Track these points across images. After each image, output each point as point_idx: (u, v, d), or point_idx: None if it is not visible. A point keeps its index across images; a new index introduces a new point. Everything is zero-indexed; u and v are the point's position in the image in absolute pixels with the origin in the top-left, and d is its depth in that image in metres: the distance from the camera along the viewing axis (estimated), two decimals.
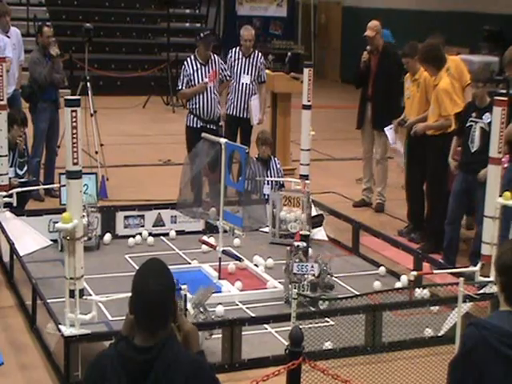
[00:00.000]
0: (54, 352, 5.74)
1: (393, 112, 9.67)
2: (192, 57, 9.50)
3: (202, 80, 9.36)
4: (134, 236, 8.35)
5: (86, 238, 7.64)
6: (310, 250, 7.83)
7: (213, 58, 9.50)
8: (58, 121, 9.89)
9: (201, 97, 9.35)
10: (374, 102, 9.94)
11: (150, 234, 8.44)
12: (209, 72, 9.39)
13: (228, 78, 9.91)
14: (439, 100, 8.28)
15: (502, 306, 3.19)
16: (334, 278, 7.05)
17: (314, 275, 6.79)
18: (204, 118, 9.36)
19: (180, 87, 9.50)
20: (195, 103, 9.36)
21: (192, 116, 9.44)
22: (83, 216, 7.54)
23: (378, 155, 10.11)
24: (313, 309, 6.45)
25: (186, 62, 9.48)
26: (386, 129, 9.72)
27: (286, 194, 8.55)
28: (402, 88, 9.31)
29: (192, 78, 9.39)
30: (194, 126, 9.36)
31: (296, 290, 5.23)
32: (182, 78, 9.49)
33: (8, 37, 10.21)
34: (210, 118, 9.38)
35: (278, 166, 9.52)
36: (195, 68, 9.39)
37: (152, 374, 2.86)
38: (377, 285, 7.15)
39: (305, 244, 6.96)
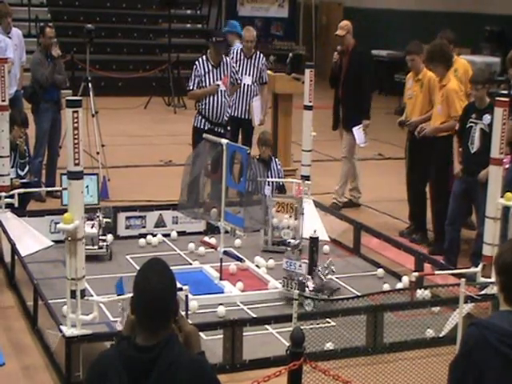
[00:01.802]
0: (56, 352, 5.75)
1: (362, 112, 9.82)
2: (204, 57, 9.38)
3: (214, 82, 9.25)
4: (144, 236, 8.39)
5: (96, 247, 7.69)
6: (327, 248, 7.87)
7: (224, 60, 9.42)
8: (60, 121, 9.90)
9: (211, 99, 9.24)
10: (344, 102, 10.00)
11: (152, 235, 8.46)
12: (220, 75, 9.28)
13: (238, 81, 9.81)
14: (449, 101, 8.21)
15: (501, 305, 3.19)
16: (325, 280, 7.01)
17: (302, 274, 6.82)
18: (212, 120, 9.26)
19: (191, 87, 9.36)
20: (205, 104, 9.25)
21: (200, 117, 9.33)
22: (93, 225, 7.61)
23: (344, 154, 10.16)
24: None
25: (197, 63, 9.37)
26: (354, 129, 9.83)
27: (279, 199, 8.46)
28: (370, 88, 9.32)
29: (203, 79, 9.26)
30: (202, 127, 9.25)
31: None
32: (193, 78, 9.35)
33: (9, 37, 10.22)
34: (218, 121, 9.28)
35: (279, 166, 9.51)
36: (207, 70, 9.28)
37: (153, 374, 2.87)
38: (386, 287, 7.10)
39: (297, 242, 6.99)
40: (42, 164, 9.95)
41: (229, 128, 9.55)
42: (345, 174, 10.15)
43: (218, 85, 9.23)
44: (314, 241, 7.02)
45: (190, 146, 9.27)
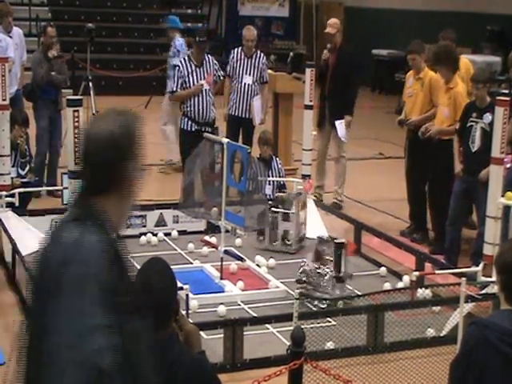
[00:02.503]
0: None
1: (348, 109, 9.92)
2: (186, 58, 9.42)
3: (197, 82, 9.25)
4: (145, 235, 8.42)
5: None
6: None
7: (207, 59, 9.42)
8: (60, 120, 9.93)
9: (196, 99, 9.23)
10: (330, 100, 10.03)
11: (153, 234, 8.46)
12: (204, 74, 9.29)
13: (221, 78, 9.82)
14: (457, 105, 8.17)
15: (502, 304, 3.19)
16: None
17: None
18: (199, 120, 9.25)
19: (175, 89, 9.37)
20: (190, 105, 9.25)
21: (187, 119, 9.31)
22: None
23: (337, 153, 10.20)
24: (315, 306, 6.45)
25: (180, 64, 9.39)
26: (337, 122, 9.88)
27: (299, 199, 8.43)
28: (357, 87, 9.45)
29: (187, 79, 9.26)
30: (189, 129, 9.25)
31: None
32: (176, 79, 9.36)
33: (10, 37, 10.25)
34: (204, 121, 9.27)
35: (280, 166, 9.48)
36: (190, 70, 9.28)
37: None
38: (386, 287, 7.11)
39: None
40: (43, 162, 9.96)
41: (216, 126, 9.51)
42: (341, 173, 10.19)
43: (202, 84, 9.22)
44: (339, 246, 7.00)
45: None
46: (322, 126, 10.14)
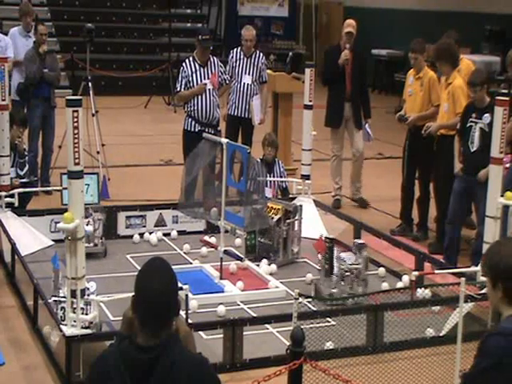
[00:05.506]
0: (56, 352, 5.75)
1: (366, 110, 10.20)
2: (191, 58, 9.35)
3: (201, 81, 9.21)
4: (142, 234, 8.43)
5: (91, 245, 7.67)
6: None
7: (212, 60, 9.36)
8: (53, 118, 10.02)
9: (199, 99, 9.15)
10: (353, 100, 10.11)
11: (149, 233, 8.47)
12: (208, 74, 9.23)
13: (227, 81, 9.70)
14: (455, 97, 8.21)
15: (506, 310, 3.13)
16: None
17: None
18: (202, 121, 9.14)
19: (179, 89, 9.28)
20: (193, 105, 9.15)
21: (190, 119, 9.20)
22: (88, 223, 7.58)
23: (358, 152, 10.32)
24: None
25: (184, 63, 9.34)
26: (367, 126, 10.12)
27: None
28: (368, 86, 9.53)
29: (191, 79, 9.20)
30: (192, 129, 9.13)
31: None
32: (180, 79, 9.29)
33: (30, 37, 10.34)
34: (208, 122, 9.16)
35: (282, 169, 9.39)
36: (194, 69, 9.22)
37: (155, 374, 2.87)
38: (385, 286, 7.12)
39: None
40: (35, 159, 9.98)
41: (219, 128, 9.42)
42: (360, 170, 10.40)
43: (205, 84, 9.16)
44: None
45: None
46: (337, 127, 10.18)
